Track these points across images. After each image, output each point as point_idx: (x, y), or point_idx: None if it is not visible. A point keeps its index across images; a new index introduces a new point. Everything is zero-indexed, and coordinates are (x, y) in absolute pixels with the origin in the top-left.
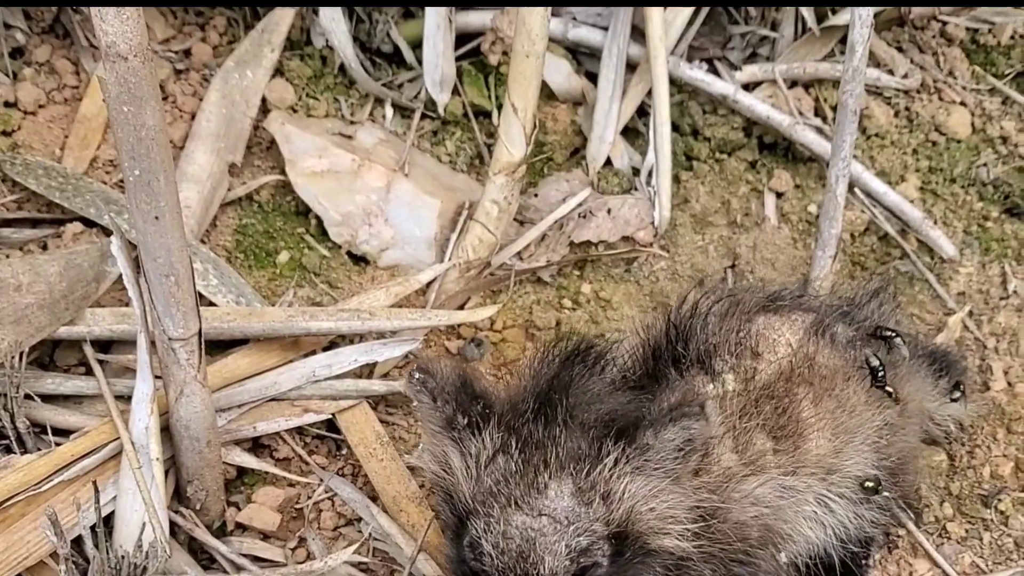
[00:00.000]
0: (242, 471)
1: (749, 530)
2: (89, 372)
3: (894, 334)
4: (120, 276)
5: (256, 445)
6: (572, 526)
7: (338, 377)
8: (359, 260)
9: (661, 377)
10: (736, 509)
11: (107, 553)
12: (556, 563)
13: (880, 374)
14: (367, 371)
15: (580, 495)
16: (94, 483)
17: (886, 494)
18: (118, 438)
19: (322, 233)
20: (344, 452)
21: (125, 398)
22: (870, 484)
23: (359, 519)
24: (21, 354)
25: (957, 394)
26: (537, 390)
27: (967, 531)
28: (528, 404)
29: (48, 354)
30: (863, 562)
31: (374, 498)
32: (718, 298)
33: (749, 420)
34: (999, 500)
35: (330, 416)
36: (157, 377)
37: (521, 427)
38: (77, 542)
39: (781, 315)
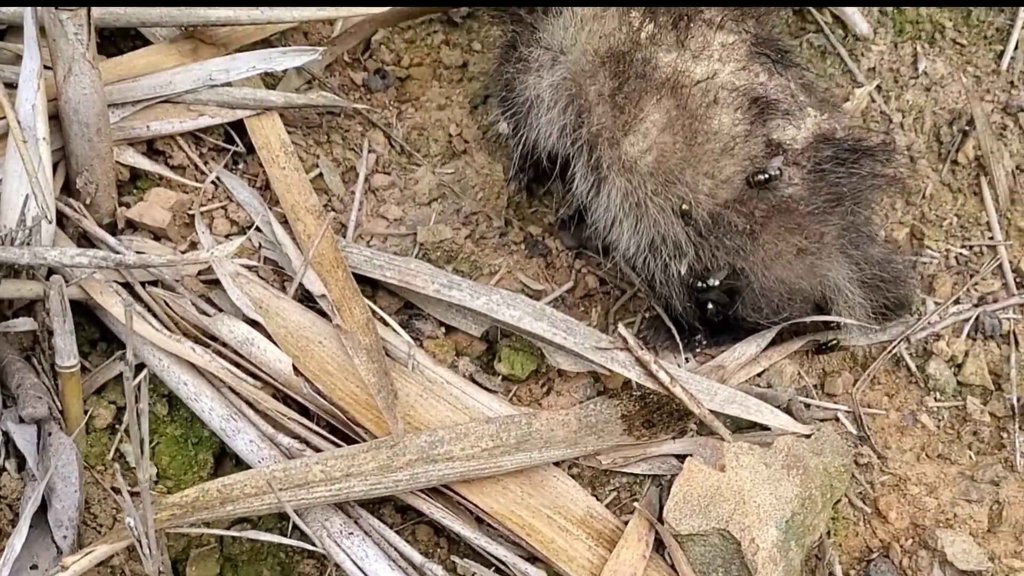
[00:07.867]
0: (136, 175)
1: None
2: None
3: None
4: None
5: (151, 151)
6: None
7: (236, 85)
8: None
9: None
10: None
11: None
12: None
13: (762, 179)
14: (270, 83)
15: None
16: None
17: (712, 282)
18: (3, 117)
19: None
20: (241, 165)
21: (12, 86)
22: (686, 207)
23: (251, 225)
24: None
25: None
26: None
27: None
28: None
29: None
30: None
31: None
32: None
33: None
34: None
35: (226, 124)
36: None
37: None
38: None
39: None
